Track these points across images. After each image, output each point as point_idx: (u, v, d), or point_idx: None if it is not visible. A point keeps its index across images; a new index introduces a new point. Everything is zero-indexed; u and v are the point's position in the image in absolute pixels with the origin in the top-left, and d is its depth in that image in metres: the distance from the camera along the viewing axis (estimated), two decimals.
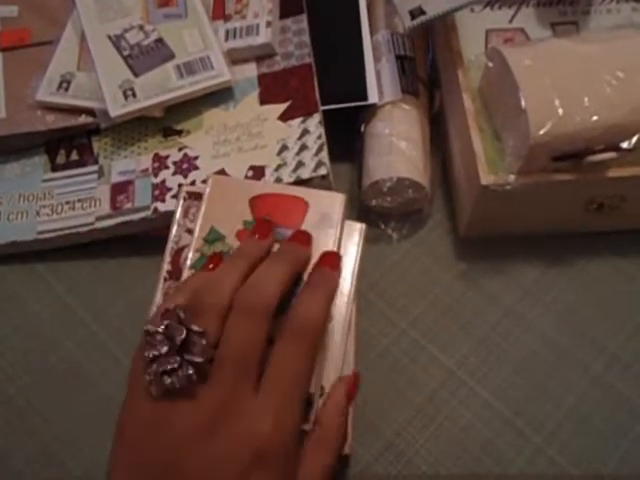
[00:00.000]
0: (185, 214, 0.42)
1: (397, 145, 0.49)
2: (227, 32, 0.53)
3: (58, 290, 0.50)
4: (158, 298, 0.40)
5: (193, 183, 0.48)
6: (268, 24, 0.53)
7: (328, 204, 0.40)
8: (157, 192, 0.49)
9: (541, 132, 0.40)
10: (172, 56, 0.51)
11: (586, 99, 0.41)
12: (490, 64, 0.46)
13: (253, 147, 0.49)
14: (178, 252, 0.41)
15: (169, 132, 0.51)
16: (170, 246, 0.41)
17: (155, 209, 0.48)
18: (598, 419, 0.43)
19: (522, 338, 0.47)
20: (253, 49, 0.52)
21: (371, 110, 0.51)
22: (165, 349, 0.30)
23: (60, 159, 0.53)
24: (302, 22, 0.54)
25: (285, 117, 0.50)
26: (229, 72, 0.51)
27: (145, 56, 0.52)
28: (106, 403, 0.45)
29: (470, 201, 0.46)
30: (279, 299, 0.33)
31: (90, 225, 0.49)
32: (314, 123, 0.49)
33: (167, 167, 0.50)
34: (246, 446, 0.30)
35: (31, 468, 0.43)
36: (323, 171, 0.47)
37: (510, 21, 0.52)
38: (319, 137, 0.49)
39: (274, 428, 0.30)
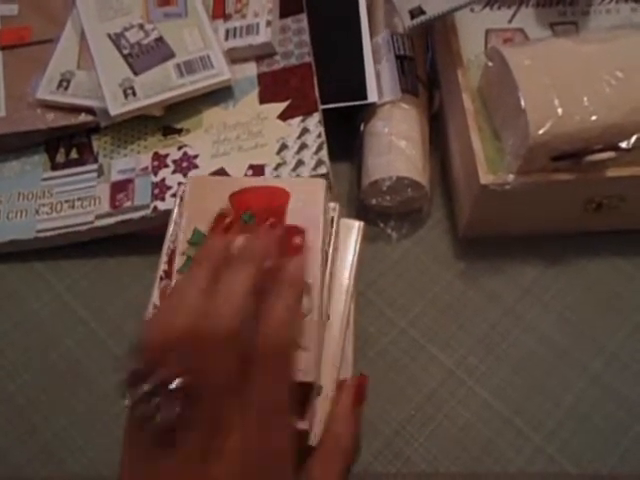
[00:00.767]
0: (182, 213, 0.42)
1: (396, 144, 0.49)
2: (227, 31, 0.53)
3: (57, 288, 0.50)
4: (155, 297, 0.40)
5: None
6: (268, 23, 0.53)
7: (310, 190, 0.40)
8: (157, 191, 0.49)
9: (540, 132, 0.40)
10: (172, 55, 0.52)
11: (585, 99, 0.41)
12: (490, 64, 0.46)
13: (253, 146, 0.49)
14: (175, 251, 0.41)
15: (169, 131, 0.51)
16: (167, 245, 0.41)
17: (155, 208, 0.48)
18: (597, 418, 0.44)
19: (521, 337, 0.47)
20: (253, 48, 0.53)
21: (371, 109, 0.51)
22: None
23: (60, 158, 0.53)
24: (302, 21, 0.54)
25: (285, 116, 0.50)
26: (229, 71, 0.51)
27: (145, 55, 0.52)
28: (105, 401, 0.45)
29: (469, 200, 0.46)
30: (245, 309, 0.30)
31: (90, 223, 0.49)
32: (314, 122, 0.49)
33: (167, 166, 0.50)
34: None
35: (31, 466, 0.43)
36: (323, 170, 0.47)
37: (510, 21, 0.52)
38: (319, 136, 0.49)
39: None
